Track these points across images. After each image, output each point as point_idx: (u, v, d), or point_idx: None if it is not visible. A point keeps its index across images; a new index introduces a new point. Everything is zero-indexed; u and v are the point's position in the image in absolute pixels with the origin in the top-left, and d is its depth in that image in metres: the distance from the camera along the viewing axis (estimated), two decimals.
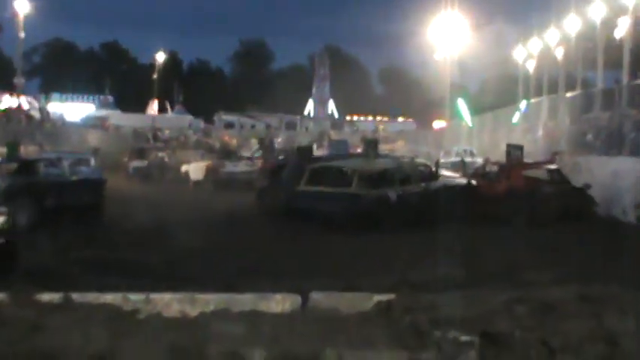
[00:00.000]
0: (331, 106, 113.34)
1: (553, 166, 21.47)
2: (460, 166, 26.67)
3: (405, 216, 17.42)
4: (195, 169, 35.62)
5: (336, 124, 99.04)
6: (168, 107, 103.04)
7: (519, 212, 18.37)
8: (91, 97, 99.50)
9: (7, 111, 53.12)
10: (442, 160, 27.86)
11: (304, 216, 17.34)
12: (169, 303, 8.03)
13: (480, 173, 21.83)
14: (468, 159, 32.07)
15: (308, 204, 17.77)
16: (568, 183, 20.89)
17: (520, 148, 22.18)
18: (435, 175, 20.06)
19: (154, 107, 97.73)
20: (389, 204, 17.69)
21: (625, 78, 37.81)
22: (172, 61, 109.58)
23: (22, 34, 61.02)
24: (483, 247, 13.85)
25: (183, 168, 36.46)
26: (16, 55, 68.51)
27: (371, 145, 22.17)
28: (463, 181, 21.29)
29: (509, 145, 22.11)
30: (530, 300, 5.28)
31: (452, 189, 19.89)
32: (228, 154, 42.01)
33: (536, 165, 22.08)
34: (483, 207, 19.18)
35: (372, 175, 18.71)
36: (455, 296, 6.77)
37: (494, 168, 21.89)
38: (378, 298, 7.23)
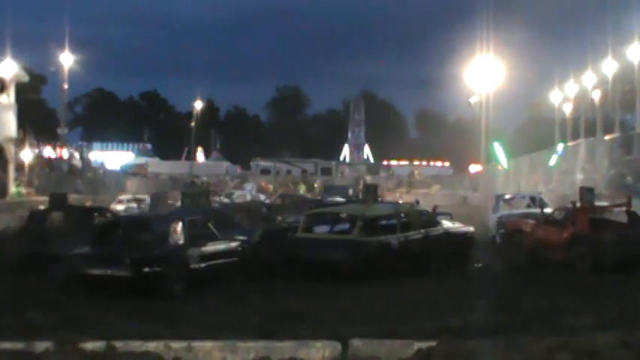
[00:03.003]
0: (367, 151, 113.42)
1: (627, 209, 19.85)
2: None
3: (407, 263, 16.84)
4: None
5: (372, 169, 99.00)
6: (202, 154, 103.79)
7: (582, 258, 17.55)
8: (130, 146, 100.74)
9: (50, 161, 54.06)
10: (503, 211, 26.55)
11: (302, 264, 16.41)
12: (210, 351, 8.08)
13: (549, 219, 20.55)
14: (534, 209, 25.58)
15: (306, 251, 16.71)
16: None
17: (591, 190, 21.25)
18: (434, 222, 19.28)
19: (196, 155, 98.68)
20: (391, 251, 17.03)
21: None
22: (209, 108, 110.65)
23: (65, 86, 62.28)
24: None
25: None
26: (60, 106, 69.83)
27: (370, 190, 21.08)
28: (466, 228, 20.76)
29: (582, 188, 20.99)
30: (572, 347, 5.24)
31: (454, 236, 19.31)
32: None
33: (609, 208, 20.93)
34: (549, 253, 18.64)
35: (373, 220, 17.99)
36: (496, 343, 6.74)
37: (562, 213, 20.65)
38: (418, 345, 7.22)
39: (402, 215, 18.49)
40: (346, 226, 18.29)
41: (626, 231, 18.24)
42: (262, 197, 51.22)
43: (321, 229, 18.55)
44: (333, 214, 19.61)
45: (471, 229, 20.85)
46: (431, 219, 19.28)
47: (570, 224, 18.73)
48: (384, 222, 18.41)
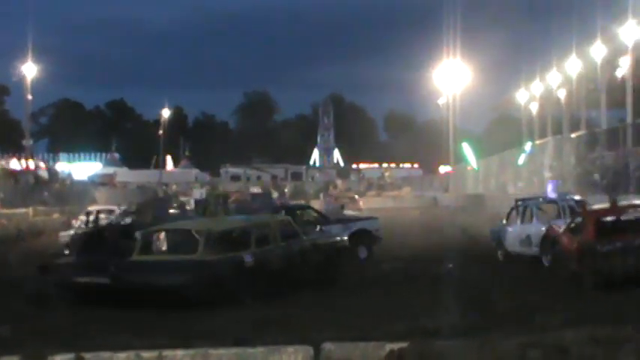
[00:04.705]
0: (337, 155, 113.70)
1: None
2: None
3: (265, 282, 14.59)
4: None
5: (342, 173, 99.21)
6: (171, 162, 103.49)
7: (587, 272, 14.70)
8: (97, 156, 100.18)
9: (15, 173, 53.56)
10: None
11: (136, 292, 13.76)
12: (182, 359, 8.03)
13: (571, 225, 17.00)
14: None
15: (141, 277, 14.05)
16: None
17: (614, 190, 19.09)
18: (297, 233, 16.75)
19: (166, 163, 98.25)
20: (244, 269, 14.54)
21: (629, 117, 37.94)
22: (177, 116, 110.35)
23: (29, 97, 61.71)
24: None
25: None
26: (24, 117, 69.30)
27: (219, 199, 18.49)
28: (336, 238, 18.20)
29: (611, 188, 18.38)
30: (543, 344, 5.25)
31: (321, 248, 17.03)
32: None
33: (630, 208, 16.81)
34: (562, 264, 16.26)
35: (221, 236, 15.30)
36: (467, 342, 6.74)
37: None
38: (390, 346, 7.21)
39: (258, 228, 15.94)
40: (191, 244, 15.13)
41: (638, 237, 14.71)
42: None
43: (162, 249, 15.93)
44: (175, 230, 16.74)
45: (344, 238, 18.40)
46: (293, 230, 16.74)
47: (580, 232, 15.95)
48: (234, 236, 15.79)
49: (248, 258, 14.70)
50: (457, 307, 11.84)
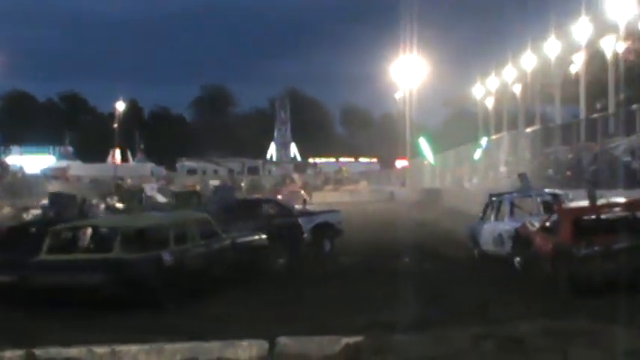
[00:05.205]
0: (293, 149, 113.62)
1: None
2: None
3: (186, 282, 14.06)
4: None
5: (299, 167, 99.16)
6: (130, 156, 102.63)
7: (561, 276, 13.47)
8: (50, 149, 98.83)
9: None
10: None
11: (47, 292, 13.05)
12: (136, 355, 7.92)
13: (546, 224, 15.60)
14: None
15: (51, 277, 13.29)
16: None
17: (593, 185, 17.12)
18: (217, 231, 16.18)
19: (115, 156, 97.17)
20: (163, 269, 13.88)
21: (582, 112, 38.46)
22: (132, 109, 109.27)
23: None
24: None
25: None
26: None
27: (135, 196, 17.05)
28: (257, 236, 17.71)
29: (589, 184, 16.50)
30: (497, 335, 5.28)
31: (242, 247, 16.61)
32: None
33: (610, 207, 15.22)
34: (535, 266, 15.06)
35: (138, 233, 14.70)
36: (423, 336, 6.75)
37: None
38: (346, 340, 7.19)
39: (177, 225, 15.28)
40: (105, 241, 14.61)
41: (621, 240, 13.28)
42: (161, 199, 50.40)
43: (75, 248, 14.98)
44: (89, 227, 15.90)
45: (263, 237, 17.84)
46: (212, 228, 16.16)
47: (555, 232, 14.63)
48: (152, 234, 15.08)
49: (167, 257, 14.06)
50: (414, 301, 11.89)
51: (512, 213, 18.94)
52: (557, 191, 20.24)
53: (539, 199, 18.97)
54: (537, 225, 15.99)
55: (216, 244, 15.69)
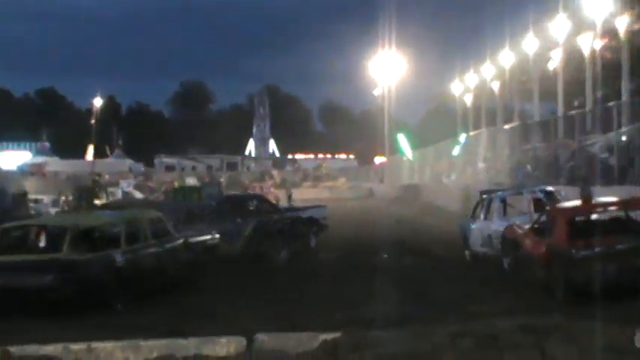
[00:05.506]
0: (272, 146, 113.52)
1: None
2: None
3: (138, 283, 13.62)
4: None
5: (278, 163, 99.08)
6: (108, 152, 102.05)
7: (556, 281, 12.52)
8: (27, 145, 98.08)
9: None
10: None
11: None
12: (112, 352, 7.86)
13: (537, 225, 14.65)
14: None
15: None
16: None
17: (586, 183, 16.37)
18: (169, 231, 15.66)
19: (87, 153, 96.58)
20: (115, 269, 13.39)
21: (560, 109, 38.67)
22: (110, 105, 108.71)
23: None
24: None
25: None
26: None
27: (84, 194, 16.53)
28: (208, 236, 17.34)
29: (582, 181, 15.34)
30: (474, 332, 5.29)
31: (194, 247, 16.19)
32: None
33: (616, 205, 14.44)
34: (526, 270, 14.19)
35: (88, 232, 14.21)
36: (401, 332, 6.75)
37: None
38: (324, 337, 7.18)
39: (129, 224, 14.69)
40: (55, 241, 13.99)
41: (622, 240, 12.49)
42: (138, 195, 50.20)
43: (23, 248, 14.31)
44: (38, 227, 15.29)
45: (216, 236, 17.54)
46: (164, 227, 15.66)
47: (547, 233, 13.61)
48: (103, 234, 14.68)
49: (118, 257, 13.60)
50: (391, 297, 11.91)
51: (502, 212, 18.03)
52: (551, 188, 19.07)
53: (530, 197, 17.86)
54: (525, 226, 15.18)
55: (169, 243, 15.23)
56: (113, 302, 12.98)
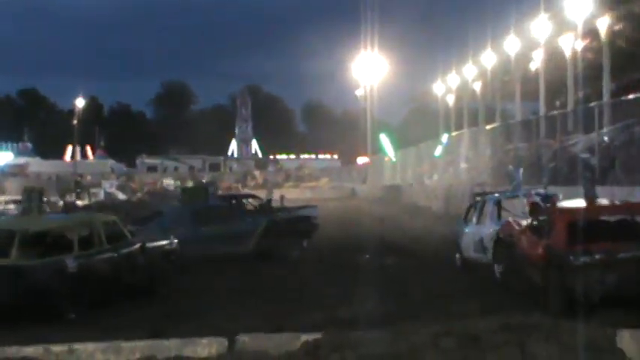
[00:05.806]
0: (255, 146, 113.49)
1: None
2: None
3: (91, 290, 12.90)
4: None
5: (260, 164, 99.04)
6: (90, 152, 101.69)
7: (553, 288, 11.59)
8: (9, 145, 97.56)
9: None
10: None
11: None
12: (93, 353, 7.82)
13: (534, 224, 13.59)
14: None
15: None
16: None
17: (592, 177, 15.28)
18: (125, 235, 14.80)
19: (75, 153, 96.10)
20: (67, 277, 12.57)
21: (542, 109, 38.82)
22: (93, 105, 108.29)
23: None
24: None
25: None
26: None
27: (33, 194, 15.38)
28: (165, 241, 16.07)
29: (587, 181, 13.74)
30: (456, 332, 5.29)
31: (152, 252, 15.23)
32: None
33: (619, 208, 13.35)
34: (520, 275, 13.21)
35: (38, 237, 13.23)
36: (382, 332, 6.74)
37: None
38: (305, 337, 7.17)
39: (82, 228, 13.92)
40: (2, 246, 12.83)
41: (623, 250, 11.32)
42: (121, 196, 50.12)
43: None
44: None
45: (174, 241, 16.37)
46: (120, 231, 14.82)
47: (545, 235, 12.56)
48: (55, 238, 13.67)
49: (70, 262, 12.75)
50: (374, 297, 11.92)
51: (495, 215, 16.88)
52: (549, 191, 17.79)
53: (526, 200, 16.62)
54: (523, 222, 14.11)
55: (125, 248, 14.41)
56: (65, 310, 12.30)
